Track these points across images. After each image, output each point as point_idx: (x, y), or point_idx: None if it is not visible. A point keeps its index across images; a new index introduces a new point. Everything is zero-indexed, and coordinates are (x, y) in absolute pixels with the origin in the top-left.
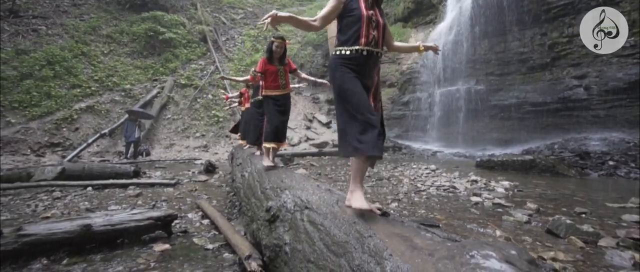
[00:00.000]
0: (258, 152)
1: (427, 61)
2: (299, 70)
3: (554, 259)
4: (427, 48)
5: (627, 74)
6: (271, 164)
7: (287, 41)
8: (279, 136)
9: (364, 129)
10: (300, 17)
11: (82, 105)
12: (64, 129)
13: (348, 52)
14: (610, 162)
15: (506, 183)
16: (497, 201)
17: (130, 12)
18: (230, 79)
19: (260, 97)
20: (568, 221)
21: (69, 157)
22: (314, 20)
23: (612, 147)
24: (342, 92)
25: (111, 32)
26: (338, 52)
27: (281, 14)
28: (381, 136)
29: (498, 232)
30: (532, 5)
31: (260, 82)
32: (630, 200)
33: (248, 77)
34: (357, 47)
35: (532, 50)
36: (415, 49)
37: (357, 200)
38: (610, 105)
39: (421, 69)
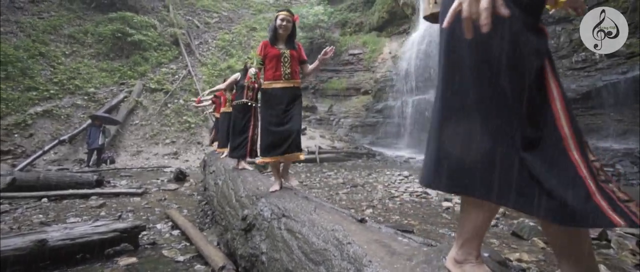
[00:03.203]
0: (240, 166)
1: (400, 70)
2: (308, 64)
3: (519, 260)
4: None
5: (580, 86)
6: (278, 187)
7: (296, 16)
8: (283, 145)
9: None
10: None
11: (38, 109)
12: (16, 135)
13: None
14: None
15: None
16: None
17: (95, 11)
18: (212, 92)
19: (245, 100)
20: (531, 223)
21: (20, 166)
22: None
23: None
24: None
25: (74, 32)
26: None
27: None
28: None
29: None
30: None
31: (242, 84)
32: None
33: (229, 80)
34: None
35: None
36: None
37: None
38: None
39: (395, 77)
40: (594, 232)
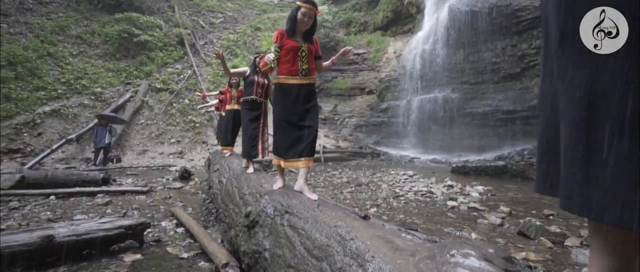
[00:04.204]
0: (250, 169)
1: (405, 69)
2: (322, 61)
3: (525, 259)
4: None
5: None
6: (281, 184)
7: (319, 10)
8: (297, 147)
9: None
10: None
11: (47, 108)
12: (25, 134)
13: None
14: None
15: (480, 188)
16: (472, 205)
17: (102, 12)
18: (223, 62)
19: (254, 97)
20: (538, 223)
21: (29, 164)
22: None
23: None
24: None
25: (81, 32)
26: None
27: None
28: None
29: (473, 235)
30: (503, 18)
31: (250, 79)
32: None
33: (238, 69)
34: None
35: (503, 60)
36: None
37: None
38: None
39: (399, 76)
40: None
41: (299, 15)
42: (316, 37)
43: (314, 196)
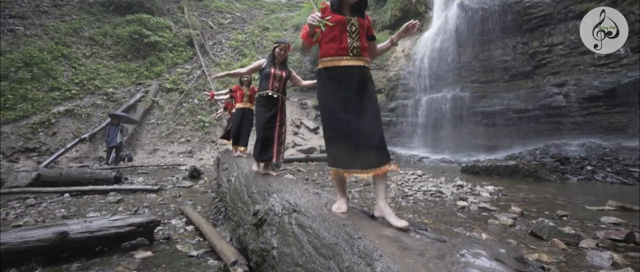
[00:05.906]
0: (255, 167)
1: (413, 68)
2: (376, 42)
3: (538, 261)
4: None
5: (603, 83)
6: (344, 207)
7: None
8: (360, 153)
9: None
10: None
11: (61, 108)
12: (41, 134)
13: None
14: (588, 167)
15: (491, 188)
16: (482, 205)
17: (114, 14)
18: (228, 75)
19: (270, 92)
20: (551, 224)
21: (45, 163)
22: None
23: (590, 153)
24: None
25: (94, 34)
26: None
27: None
28: None
29: (484, 236)
30: (514, 15)
31: (267, 71)
32: (608, 203)
33: (252, 65)
34: None
35: (514, 58)
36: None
37: None
38: (587, 112)
39: (408, 75)
40: (621, 235)
41: None
42: (368, 14)
43: (401, 223)
